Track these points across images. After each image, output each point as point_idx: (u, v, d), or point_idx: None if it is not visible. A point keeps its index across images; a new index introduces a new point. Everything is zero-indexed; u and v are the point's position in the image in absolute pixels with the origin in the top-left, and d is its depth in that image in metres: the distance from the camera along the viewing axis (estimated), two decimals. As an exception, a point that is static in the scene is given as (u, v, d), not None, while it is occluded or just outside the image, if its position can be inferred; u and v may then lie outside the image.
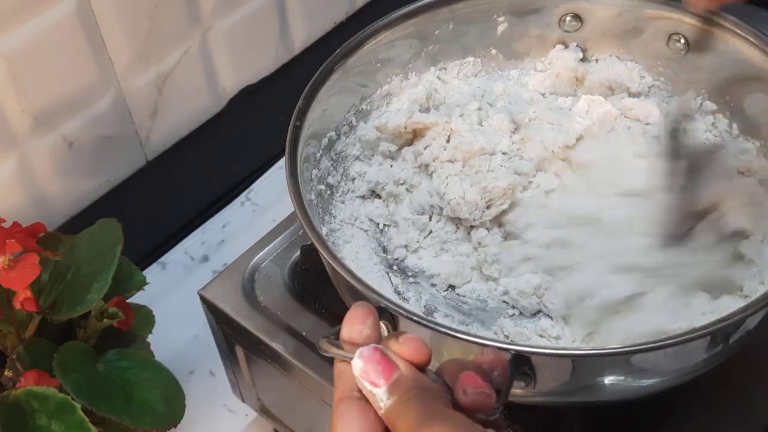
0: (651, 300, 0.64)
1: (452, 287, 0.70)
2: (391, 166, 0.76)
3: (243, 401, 0.83)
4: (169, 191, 0.98)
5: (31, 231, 0.70)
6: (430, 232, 0.73)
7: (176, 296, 0.91)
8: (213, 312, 0.75)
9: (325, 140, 0.73)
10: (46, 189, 0.86)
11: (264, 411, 0.82)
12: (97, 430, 0.65)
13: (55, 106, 0.82)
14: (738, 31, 0.70)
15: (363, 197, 0.75)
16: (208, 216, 1.00)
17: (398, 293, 0.69)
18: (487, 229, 0.71)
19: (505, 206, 0.71)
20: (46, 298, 0.70)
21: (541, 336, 0.65)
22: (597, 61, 0.80)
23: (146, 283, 0.77)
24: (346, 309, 0.46)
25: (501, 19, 0.78)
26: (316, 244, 0.61)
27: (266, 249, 0.77)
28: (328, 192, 0.73)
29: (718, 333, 0.57)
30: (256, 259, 0.77)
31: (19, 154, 0.82)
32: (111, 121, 0.88)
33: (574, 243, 0.69)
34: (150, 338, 0.77)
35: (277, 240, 0.78)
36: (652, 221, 0.68)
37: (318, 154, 0.72)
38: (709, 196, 0.68)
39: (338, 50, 0.72)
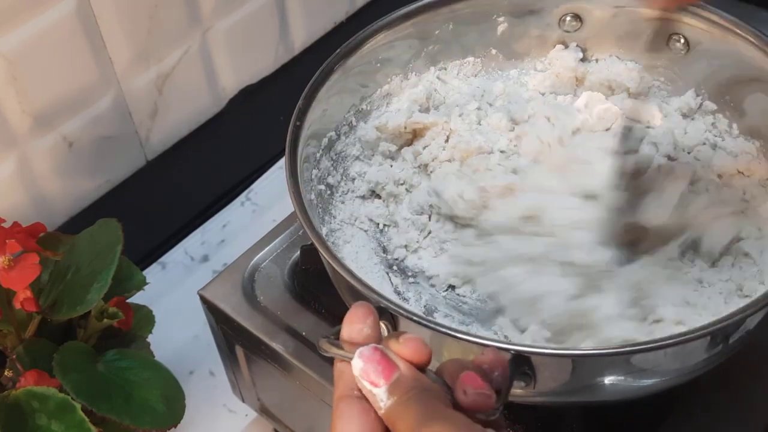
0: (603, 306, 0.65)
1: (452, 287, 0.70)
2: (391, 166, 0.76)
3: (243, 401, 0.83)
4: (169, 191, 0.98)
5: (31, 231, 0.70)
6: (430, 232, 0.73)
7: (176, 296, 0.91)
8: (213, 312, 0.75)
9: (325, 140, 0.73)
10: (46, 189, 0.86)
11: (264, 411, 0.82)
12: (97, 430, 0.65)
13: (55, 106, 0.82)
14: (738, 31, 0.70)
15: (363, 197, 0.75)
16: (208, 216, 1.00)
17: (398, 293, 0.69)
18: (473, 227, 0.72)
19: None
20: (46, 298, 0.70)
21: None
22: (597, 61, 0.80)
23: (146, 283, 0.77)
24: (346, 309, 0.46)
25: (501, 19, 0.78)
26: (316, 244, 0.61)
27: (266, 249, 0.77)
28: (328, 192, 0.73)
29: (718, 333, 0.57)
30: (256, 259, 0.77)
31: (19, 154, 0.82)
32: (111, 121, 0.88)
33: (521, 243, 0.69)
34: (150, 338, 0.77)
35: (277, 240, 0.78)
36: (597, 223, 0.68)
37: (318, 154, 0.72)
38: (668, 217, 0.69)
39: (338, 50, 0.72)
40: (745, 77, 0.72)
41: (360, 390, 0.43)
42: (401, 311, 0.57)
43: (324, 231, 0.70)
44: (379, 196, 0.75)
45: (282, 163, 0.69)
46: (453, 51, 0.79)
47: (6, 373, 0.68)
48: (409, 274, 0.71)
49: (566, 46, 0.80)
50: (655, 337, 0.57)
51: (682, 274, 0.67)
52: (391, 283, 0.70)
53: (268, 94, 1.02)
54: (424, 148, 0.76)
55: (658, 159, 0.73)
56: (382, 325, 0.57)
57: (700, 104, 0.76)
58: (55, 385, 0.66)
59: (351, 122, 0.76)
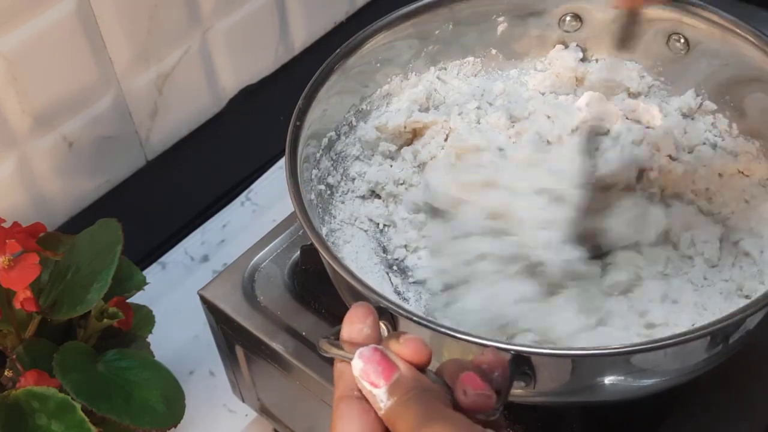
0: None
1: (448, 288, 0.70)
2: (391, 166, 0.76)
3: (243, 401, 0.83)
4: (169, 191, 0.98)
5: (31, 231, 0.70)
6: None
7: (176, 296, 0.91)
8: (213, 312, 0.75)
9: (325, 140, 0.73)
10: (46, 189, 0.86)
11: (264, 411, 0.82)
12: (97, 430, 0.65)
13: (55, 106, 0.82)
14: (738, 31, 0.70)
15: (363, 197, 0.75)
16: (208, 216, 1.00)
17: (398, 293, 0.69)
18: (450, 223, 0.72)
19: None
20: (46, 298, 0.70)
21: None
22: (597, 61, 0.80)
23: (146, 283, 0.77)
24: (346, 309, 0.46)
25: (501, 19, 0.78)
26: (316, 245, 0.61)
27: (266, 249, 0.77)
28: (328, 192, 0.73)
29: (718, 333, 0.57)
30: (256, 259, 0.77)
31: (19, 154, 0.82)
32: (111, 121, 0.88)
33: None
34: (150, 338, 0.77)
35: (277, 240, 0.78)
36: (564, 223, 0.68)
37: (318, 154, 0.72)
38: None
39: (338, 50, 0.72)
40: (745, 77, 0.72)
41: (360, 390, 0.43)
42: (401, 311, 0.57)
43: (324, 231, 0.70)
44: (379, 196, 0.75)
45: (282, 163, 0.68)
46: (453, 51, 0.79)
47: (6, 373, 0.68)
48: (409, 274, 0.71)
49: (566, 46, 0.80)
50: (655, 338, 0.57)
51: (682, 273, 0.67)
52: (391, 283, 0.70)
53: (268, 94, 1.02)
54: (423, 147, 0.76)
55: (658, 159, 0.73)
56: (382, 326, 0.57)
57: (700, 104, 0.75)
58: (55, 385, 0.66)
59: (351, 122, 0.76)
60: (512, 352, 0.54)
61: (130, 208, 0.90)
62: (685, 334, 0.55)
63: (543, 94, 0.80)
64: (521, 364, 0.55)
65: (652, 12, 0.74)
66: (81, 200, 0.89)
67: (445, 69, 0.79)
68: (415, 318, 0.57)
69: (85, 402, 0.65)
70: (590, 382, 0.59)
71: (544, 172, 0.72)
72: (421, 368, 0.44)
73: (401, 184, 0.75)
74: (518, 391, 0.58)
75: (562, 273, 0.66)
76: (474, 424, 0.41)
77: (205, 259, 0.96)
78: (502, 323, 0.64)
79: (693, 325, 0.63)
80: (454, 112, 0.77)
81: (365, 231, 0.73)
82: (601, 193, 0.70)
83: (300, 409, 0.78)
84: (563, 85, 0.80)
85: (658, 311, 0.64)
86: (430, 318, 0.65)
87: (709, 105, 0.75)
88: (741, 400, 0.67)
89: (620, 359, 0.57)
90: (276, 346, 0.71)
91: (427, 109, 0.78)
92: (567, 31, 0.79)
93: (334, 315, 0.72)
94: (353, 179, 0.75)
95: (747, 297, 0.64)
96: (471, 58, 0.80)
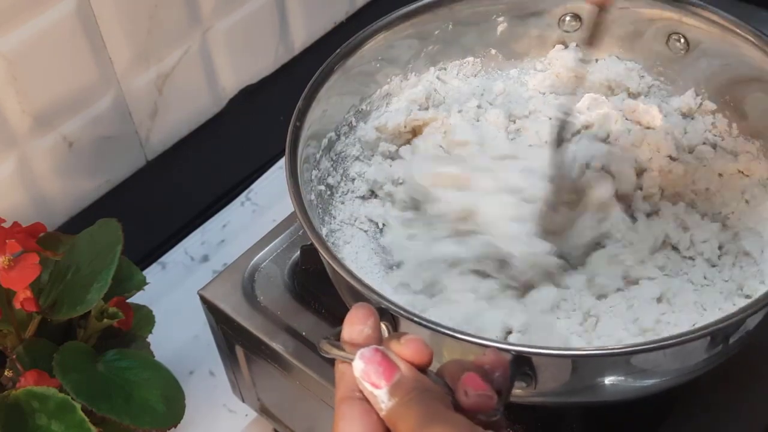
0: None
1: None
2: (391, 166, 0.76)
3: (243, 401, 0.83)
4: (169, 191, 0.98)
5: (31, 231, 0.70)
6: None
7: (176, 296, 0.91)
8: (213, 312, 0.75)
9: (325, 141, 0.73)
10: (46, 189, 0.86)
11: (264, 411, 0.82)
12: (97, 430, 0.65)
13: (55, 106, 0.82)
14: (738, 31, 0.70)
15: (363, 197, 0.75)
16: (208, 216, 1.00)
17: (398, 293, 0.69)
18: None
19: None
20: (46, 298, 0.70)
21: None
22: (597, 61, 0.80)
23: (146, 283, 0.77)
24: (346, 309, 0.46)
25: (500, 19, 0.78)
26: (316, 245, 0.61)
27: (266, 249, 0.77)
28: (328, 192, 0.73)
29: (718, 333, 0.57)
30: (256, 259, 0.77)
31: (19, 154, 0.82)
32: (111, 121, 0.88)
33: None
34: (150, 338, 0.77)
35: (277, 240, 0.78)
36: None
37: (318, 155, 0.72)
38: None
39: (338, 50, 0.72)
40: (745, 77, 0.72)
41: (361, 391, 0.43)
42: (402, 312, 0.57)
43: (324, 231, 0.70)
44: (378, 196, 0.75)
45: (282, 163, 0.68)
46: (453, 51, 0.79)
47: (6, 373, 0.68)
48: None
49: (566, 46, 0.80)
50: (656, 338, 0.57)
51: (682, 273, 0.67)
52: (391, 284, 0.70)
53: (268, 94, 1.02)
54: (421, 143, 0.76)
55: (658, 159, 0.73)
56: (383, 326, 0.57)
57: (700, 104, 0.76)
58: (55, 385, 0.66)
59: (351, 122, 0.76)
60: (513, 352, 0.54)
61: (130, 208, 0.90)
62: (685, 334, 0.55)
63: (543, 94, 0.80)
64: (522, 365, 0.55)
65: (652, 12, 0.75)
66: (81, 200, 0.89)
67: (445, 69, 0.79)
68: (416, 319, 0.57)
69: (85, 402, 0.65)
70: (591, 382, 0.59)
71: (518, 170, 0.72)
72: (422, 369, 0.44)
73: (400, 183, 0.75)
74: (519, 392, 0.58)
75: (530, 266, 0.66)
76: (475, 425, 0.41)
77: (205, 259, 0.96)
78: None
79: (693, 325, 0.63)
80: (453, 109, 0.77)
81: (365, 231, 0.73)
82: (572, 188, 0.70)
83: (300, 409, 0.78)
84: (563, 85, 0.80)
85: (657, 311, 0.64)
86: (430, 318, 0.65)
87: (709, 105, 0.75)
88: (741, 400, 0.67)
89: (621, 359, 0.57)
90: (276, 346, 0.71)
91: (426, 109, 0.78)
92: (567, 31, 0.79)
93: (334, 315, 0.72)
94: (353, 180, 0.75)
95: (747, 297, 0.64)
96: (471, 58, 0.80)
